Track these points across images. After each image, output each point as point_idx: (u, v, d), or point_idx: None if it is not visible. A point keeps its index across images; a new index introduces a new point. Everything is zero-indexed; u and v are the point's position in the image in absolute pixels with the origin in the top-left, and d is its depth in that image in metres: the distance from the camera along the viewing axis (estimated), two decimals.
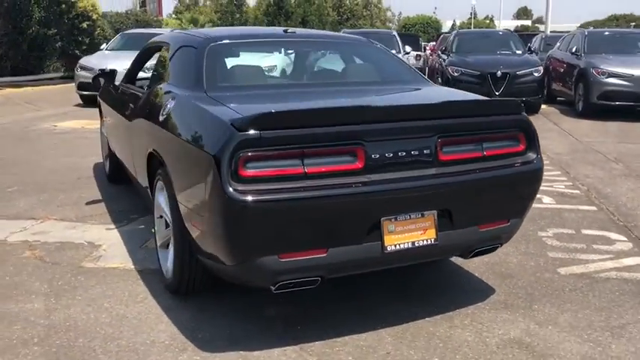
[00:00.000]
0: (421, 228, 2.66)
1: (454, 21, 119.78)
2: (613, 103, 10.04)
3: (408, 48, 13.47)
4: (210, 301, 3.08)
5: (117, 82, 4.84)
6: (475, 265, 3.57)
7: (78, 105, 12.09)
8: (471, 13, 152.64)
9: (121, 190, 5.26)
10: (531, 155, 2.92)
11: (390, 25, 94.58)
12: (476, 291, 3.27)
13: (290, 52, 3.76)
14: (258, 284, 2.60)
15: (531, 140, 2.93)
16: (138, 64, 4.64)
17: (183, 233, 2.84)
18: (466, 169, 2.73)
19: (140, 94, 3.80)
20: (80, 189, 5.38)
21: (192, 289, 3.05)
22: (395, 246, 2.60)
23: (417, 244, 2.65)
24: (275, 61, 3.73)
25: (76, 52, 18.85)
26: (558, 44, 13.15)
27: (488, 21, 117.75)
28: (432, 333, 2.80)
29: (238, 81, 3.24)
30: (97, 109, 5.85)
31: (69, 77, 16.65)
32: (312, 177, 2.45)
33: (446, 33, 18.30)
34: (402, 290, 3.27)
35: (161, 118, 3.02)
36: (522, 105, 2.92)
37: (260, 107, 2.63)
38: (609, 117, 9.93)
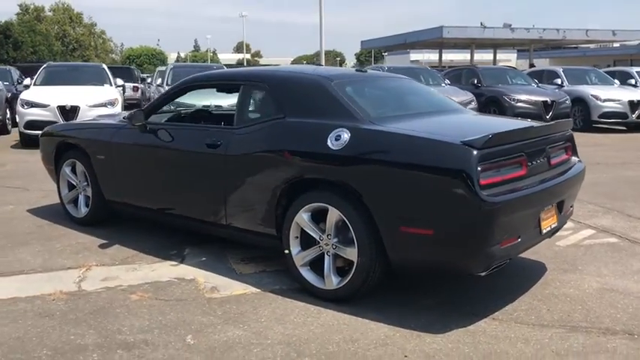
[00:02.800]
0: (552, 215, 3.64)
1: (178, 53, 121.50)
2: None
3: (119, 81, 13.05)
4: (376, 302, 3.57)
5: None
6: None
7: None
8: (194, 46, 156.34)
9: (114, 230, 5.10)
10: (576, 159, 4.12)
11: (114, 56, 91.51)
12: (533, 266, 4.32)
13: (389, 87, 4.40)
14: (475, 271, 3.25)
15: (575, 148, 4.13)
16: (167, 101, 4.67)
17: (375, 244, 3.34)
18: (563, 169, 3.80)
19: (242, 130, 3.99)
20: (65, 235, 5.01)
21: (364, 293, 3.52)
22: (545, 229, 3.54)
23: (551, 227, 3.63)
24: (384, 96, 4.29)
25: None
26: None
27: (211, 54, 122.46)
28: (551, 293, 3.77)
29: (378, 112, 3.78)
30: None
31: None
32: (507, 182, 3.25)
33: (161, 68, 18.13)
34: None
35: (335, 148, 3.42)
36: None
37: (463, 131, 3.36)
38: None
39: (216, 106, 5.55)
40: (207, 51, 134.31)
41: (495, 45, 43.42)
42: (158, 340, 3.12)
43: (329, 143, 3.49)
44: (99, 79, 12.12)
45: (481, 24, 38.48)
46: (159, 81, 12.73)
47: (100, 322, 3.32)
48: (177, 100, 4.87)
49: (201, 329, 3.25)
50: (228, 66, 19.81)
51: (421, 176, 3.18)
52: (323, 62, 22.09)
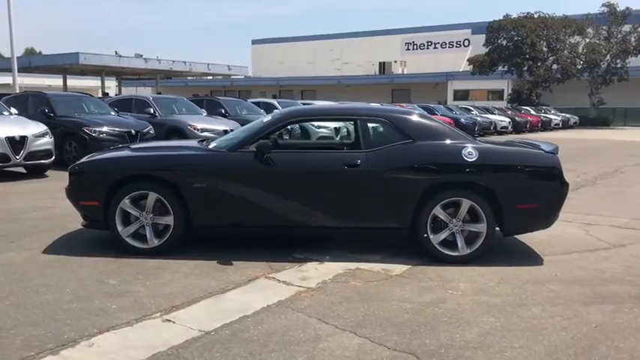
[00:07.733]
0: None
1: None
2: None
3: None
4: (478, 261, 5.56)
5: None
6: None
7: None
8: None
9: (200, 253, 5.53)
10: None
11: None
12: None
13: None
14: (550, 226, 5.62)
15: None
16: (276, 130, 5.67)
17: (494, 220, 5.39)
18: None
19: (373, 152, 5.37)
20: (169, 266, 5.18)
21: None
22: None
23: None
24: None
25: None
26: None
27: None
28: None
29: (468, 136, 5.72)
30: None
31: None
32: None
33: None
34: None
35: (470, 160, 5.30)
36: None
37: (536, 146, 5.69)
38: None
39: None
40: None
41: (120, 73, 44.72)
42: (442, 296, 4.52)
43: (464, 157, 5.36)
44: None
45: (116, 53, 39.94)
46: None
47: (390, 296, 4.49)
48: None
49: (445, 286, 4.75)
50: None
51: (530, 173, 5.43)
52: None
